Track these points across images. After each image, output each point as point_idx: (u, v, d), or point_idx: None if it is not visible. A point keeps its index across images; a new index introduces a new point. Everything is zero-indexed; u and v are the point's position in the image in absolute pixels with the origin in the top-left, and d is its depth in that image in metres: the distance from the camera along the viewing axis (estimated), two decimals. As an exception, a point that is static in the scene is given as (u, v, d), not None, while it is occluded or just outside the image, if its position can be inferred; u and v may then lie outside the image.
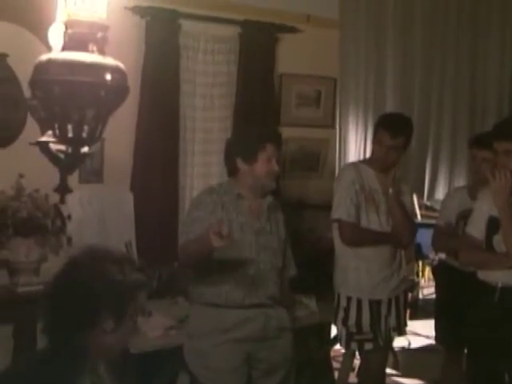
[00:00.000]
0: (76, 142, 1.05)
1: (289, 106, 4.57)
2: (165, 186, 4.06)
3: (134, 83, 3.87)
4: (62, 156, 1.45)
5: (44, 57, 1.06)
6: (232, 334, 3.05)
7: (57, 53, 1.05)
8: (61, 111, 1.02)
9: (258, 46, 4.31)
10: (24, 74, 3.41)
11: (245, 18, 4.26)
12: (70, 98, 1.01)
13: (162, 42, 3.97)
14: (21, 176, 3.20)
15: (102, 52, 1.09)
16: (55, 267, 3.27)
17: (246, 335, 3.07)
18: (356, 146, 4.61)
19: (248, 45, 4.28)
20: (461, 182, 4.53)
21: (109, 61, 1.09)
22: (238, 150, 3.14)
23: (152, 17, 3.92)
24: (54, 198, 3.36)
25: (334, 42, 4.50)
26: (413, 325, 6.17)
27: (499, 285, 3.03)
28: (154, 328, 3.35)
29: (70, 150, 1.11)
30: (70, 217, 3.32)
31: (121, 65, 1.15)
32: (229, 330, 3.05)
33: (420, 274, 7.22)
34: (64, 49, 1.04)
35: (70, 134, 1.03)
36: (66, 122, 1.03)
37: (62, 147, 1.21)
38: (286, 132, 4.48)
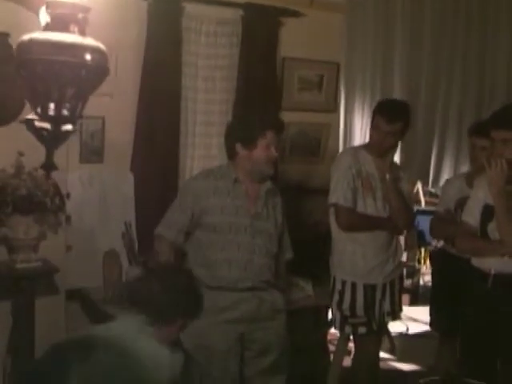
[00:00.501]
0: (57, 120, 1.08)
1: (291, 90, 4.54)
2: (165, 166, 4.06)
3: (136, 64, 3.94)
4: (44, 133, 1.48)
5: (26, 36, 1.09)
6: (226, 314, 3.13)
7: (39, 32, 1.08)
8: (43, 90, 1.05)
9: (260, 29, 4.28)
10: (25, 53, 3.49)
11: (247, 1, 4.22)
12: (51, 77, 1.04)
13: (164, 23, 3.94)
14: (20, 154, 3.21)
15: (82, 33, 1.12)
16: (53, 245, 3.37)
17: (240, 316, 3.15)
18: (362, 131, 4.61)
19: (250, 28, 4.24)
20: (465, 169, 4.54)
21: (89, 41, 1.12)
22: (238, 135, 3.20)
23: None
24: (54, 176, 3.40)
25: (338, 26, 4.51)
26: (412, 311, 6.25)
27: (492, 272, 3.08)
28: None
29: (51, 127, 1.14)
30: (68, 195, 3.34)
31: (101, 46, 1.18)
32: (223, 311, 3.12)
33: (422, 260, 7.26)
34: (46, 29, 1.07)
35: (52, 112, 1.06)
36: (48, 101, 1.06)
37: (46, 125, 1.24)
38: (288, 116, 4.47)
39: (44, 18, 1.80)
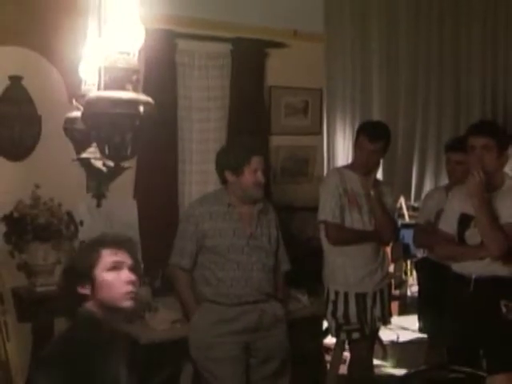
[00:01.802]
0: (118, 158, 1.34)
1: (278, 116, 4.75)
2: (165, 192, 4.24)
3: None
4: (104, 169, 1.75)
5: (93, 94, 1.39)
6: (231, 326, 3.32)
7: (102, 91, 1.37)
8: (106, 135, 1.32)
9: (248, 60, 4.48)
10: (37, 94, 3.75)
11: (236, 36, 4.44)
12: (113, 126, 1.32)
13: (160, 60, 4.15)
14: (37, 186, 3.49)
15: (136, 90, 1.41)
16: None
17: (244, 327, 3.34)
18: (344, 151, 4.82)
19: (239, 60, 4.44)
20: (445, 182, 4.72)
21: (141, 97, 1.42)
22: (226, 163, 3.37)
23: (150, 37, 4.09)
24: (66, 206, 3.66)
25: (320, 55, 4.73)
26: (401, 320, 6.45)
27: (473, 276, 3.22)
28: (160, 322, 3.58)
29: (112, 164, 1.42)
30: (82, 223, 3.60)
31: (150, 99, 1.49)
32: (228, 323, 3.32)
33: (408, 272, 7.47)
34: (106, 88, 1.36)
35: (114, 152, 1.32)
36: (111, 143, 1.35)
37: (106, 162, 1.50)
38: (277, 140, 4.73)
39: (85, 72, 2.12)
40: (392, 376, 5.13)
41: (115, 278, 2.12)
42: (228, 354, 3.31)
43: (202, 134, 4.43)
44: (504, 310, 3.18)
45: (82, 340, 2.07)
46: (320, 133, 4.90)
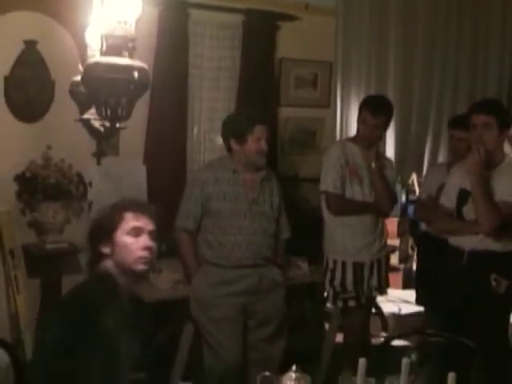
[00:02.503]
0: (114, 119, 1.45)
1: (288, 88, 4.80)
2: (174, 158, 4.33)
3: (147, 66, 4.27)
4: (101, 129, 1.87)
5: (92, 60, 1.51)
6: (230, 287, 3.44)
7: (100, 57, 1.50)
8: (103, 98, 1.42)
9: (259, 32, 4.53)
10: (51, 58, 3.84)
11: (247, 7, 4.49)
12: (110, 89, 1.42)
13: (172, 29, 4.22)
14: (48, 147, 3.60)
15: (131, 56, 1.53)
16: (77, 229, 3.75)
17: (243, 289, 3.46)
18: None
19: (250, 31, 4.50)
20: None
21: (136, 63, 1.54)
22: (230, 131, 3.49)
23: (164, 6, 4.18)
24: (76, 167, 3.78)
25: (330, 29, 4.76)
26: (405, 293, 6.56)
27: (466, 249, 3.31)
28: (164, 282, 3.73)
29: (108, 124, 1.53)
30: (91, 184, 3.71)
31: (145, 65, 1.61)
32: (227, 284, 3.44)
33: (415, 247, 7.54)
34: (105, 54, 1.48)
35: (109, 113, 1.43)
36: (108, 106, 1.46)
37: (105, 123, 1.60)
38: (286, 111, 4.80)
39: (90, 38, 2.23)
40: (391, 347, 5.25)
41: (133, 242, 2.23)
42: (226, 315, 3.44)
43: (211, 102, 4.51)
44: (494, 283, 3.25)
45: (95, 293, 2.19)
46: (328, 106, 4.96)
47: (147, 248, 2.24)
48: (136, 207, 2.28)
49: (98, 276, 2.28)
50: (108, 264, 2.26)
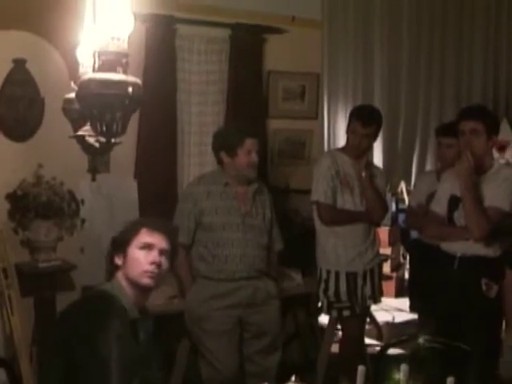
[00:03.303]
0: (109, 135, 1.46)
1: (276, 100, 4.83)
2: (165, 173, 4.35)
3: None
4: (96, 145, 1.88)
5: (86, 76, 1.53)
6: (225, 300, 3.45)
7: (94, 73, 1.51)
8: (98, 114, 1.44)
9: (247, 46, 4.56)
10: (40, 77, 3.86)
11: (235, 21, 4.52)
12: (105, 105, 1.44)
13: (160, 44, 4.25)
14: (40, 166, 3.61)
15: (125, 72, 1.55)
16: (69, 246, 3.74)
17: (238, 302, 3.47)
18: (345, 135, 4.84)
19: (238, 45, 4.53)
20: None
21: (130, 78, 1.56)
22: (221, 144, 3.51)
23: (151, 23, 4.21)
24: (68, 184, 3.78)
25: (316, 41, 4.82)
26: (398, 302, 6.59)
27: (458, 254, 3.33)
28: (158, 297, 3.65)
29: (104, 140, 1.54)
30: (83, 201, 3.71)
31: (138, 81, 1.63)
32: (222, 297, 3.45)
33: (407, 256, 7.58)
34: (99, 70, 1.49)
35: (105, 129, 1.44)
36: (102, 121, 1.48)
37: (99, 138, 1.62)
38: (274, 124, 4.83)
39: (82, 56, 2.26)
40: (386, 355, 5.26)
41: (143, 256, 2.28)
42: (222, 328, 3.45)
43: (200, 117, 4.52)
44: (484, 287, 3.29)
45: (101, 306, 2.23)
46: (316, 117, 4.99)
47: (155, 263, 2.28)
48: (152, 224, 2.35)
49: (109, 284, 2.33)
50: (119, 275, 2.32)
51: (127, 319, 2.24)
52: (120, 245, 2.33)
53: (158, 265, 2.29)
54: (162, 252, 2.31)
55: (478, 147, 3.29)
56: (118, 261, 2.32)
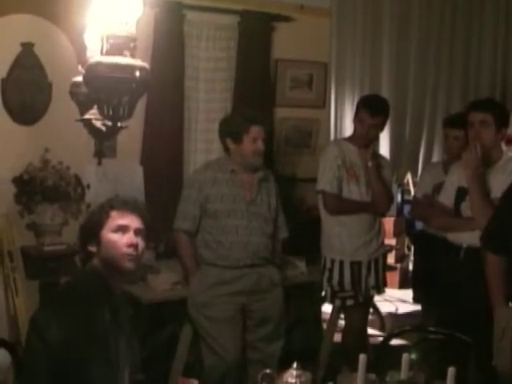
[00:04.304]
0: (115, 118, 1.46)
1: (283, 89, 4.83)
2: (171, 159, 4.35)
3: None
4: (103, 128, 1.88)
5: (93, 60, 1.53)
6: (229, 287, 3.46)
7: (102, 57, 1.51)
8: (105, 97, 1.44)
9: (255, 33, 4.56)
10: (48, 61, 3.86)
11: (243, 8, 4.52)
12: (111, 88, 1.44)
13: (168, 30, 4.25)
14: (46, 150, 3.62)
15: (133, 56, 1.55)
16: (75, 230, 3.75)
17: (241, 289, 3.47)
18: (352, 124, 4.91)
19: (246, 33, 4.53)
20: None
21: (138, 62, 1.56)
22: (227, 131, 3.51)
23: (160, 8, 4.20)
24: (74, 169, 3.80)
25: (325, 29, 4.80)
26: (401, 293, 6.60)
27: (464, 245, 3.33)
28: (162, 283, 3.72)
29: (110, 124, 1.54)
30: (88, 186, 3.73)
31: (146, 65, 1.63)
32: (226, 285, 3.46)
33: (412, 247, 7.58)
34: (107, 53, 1.49)
35: (111, 113, 1.44)
36: (110, 105, 1.48)
37: (107, 122, 1.61)
38: (281, 112, 4.83)
39: (89, 40, 2.26)
40: (389, 346, 5.27)
41: (118, 239, 2.22)
42: (225, 315, 3.46)
43: (207, 103, 4.53)
44: (489, 278, 3.28)
45: (83, 290, 2.20)
46: (324, 106, 4.99)
47: (132, 245, 2.22)
48: (122, 205, 2.28)
49: (85, 274, 2.29)
50: (95, 262, 2.26)
51: (109, 306, 2.21)
52: (92, 231, 2.25)
53: (136, 246, 2.23)
54: (136, 232, 2.25)
55: (487, 139, 3.29)
56: (92, 248, 2.25)
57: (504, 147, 3.83)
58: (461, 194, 3.40)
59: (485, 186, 3.28)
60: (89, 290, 2.20)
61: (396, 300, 6.37)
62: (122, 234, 2.23)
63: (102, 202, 2.34)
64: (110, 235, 2.23)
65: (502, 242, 2.82)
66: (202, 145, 4.55)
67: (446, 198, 3.50)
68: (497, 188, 3.26)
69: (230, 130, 3.51)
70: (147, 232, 2.30)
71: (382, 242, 4.05)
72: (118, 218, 2.24)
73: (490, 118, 3.29)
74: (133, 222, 2.25)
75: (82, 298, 2.17)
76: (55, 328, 2.08)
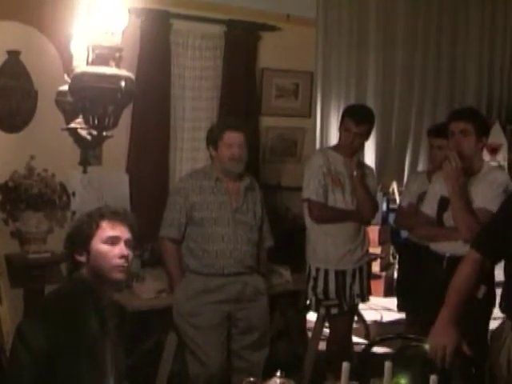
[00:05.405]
0: (101, 128, 1.47)
1: (269, 98, 4.83)
2: (157, 167, 4.35)
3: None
4: (89, 138, 1.89)
5: (79, 69, 1.54)
6: (214, 296, 3.47)
7: (88, 66, 1.53)
8: (91, 107, 1.45)
9: (241, 42, 4.57)
10: (34, 69, 3.85)
11: (229, 18, 4.52)
12: (97, 98, 1.45)
13: (154, 39, 4.25)
14: (32, 158, 3.62)
15: (118, 66, 1.56)
16: (60, 238, 3.74)
17: (226, 297, 3.49)
18: (337, 133, 4.93)
19: (232, 42, 4.54)
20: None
21: (123, 72, 1.57)
22: (208, 139, 3.57)
23: (146, 17, 4.21)
24: (60, 177, 3.79)
25: (311, 39, 4.83)
26: (386, 302, 6.62)
27: (447, 254, 3.34)
28: (147, 291, 3.72)
29: (95, 133, 1.55)
30: (74, 194, 3.73)
31: (131, 75, 1.64)
32: (211, 293, 3.47)
33: (397, 256, 7.61)
34: (92, 63, 1.51)
35: (97, 122, 1.45)
36: (94, 114, 1.49)
37: (92, 131, 1.62)
38: (267, 121, 4.84)
39: (76, 49, 2.27)
40: (373, 354, 5.29)
41: (109, 250, 2.22)
42: (210, 323, 3.47)
43: (193, 112, 4.53)
44: (472, 288, 3.30)
45: (70, 299, 2.20)
46: (309, 115, 5.00)
47: (123, 256, 2.23)
48: (113, 215, 2.27)
49: (73, 283, 2.29)
50: (83, 272, 2.26)
51: (96, 315, 2.22)
52: (81, 241, 2.25)
53: (127, 257, 2.24)
54: (127, 243, 2.26)
55: (467, 148, 3.31)
56: (80, 257, 2.25)
57: (488, 157, 3.88)
58: (443, 203, 3.42)
59: (466, 196, 3.29)
60: (76, 299, 2.21)
61: (381, 308, 6.40)
62: (113, 245, 2.24)
63: (90, 211, 2.33)
64: (100, 246, 2.23)
65: (491, 243, 2.78)
66: (188, 153, 4.55)
67: (429, 207, 3.52)
68: (479, 198, 3.29)
69: (210, 138, 3.57)
70: (134, 242, 2.30)
71: (367, 251, 4.06)
72: (108, 229, 2.24)
73: (470, 127, 3.31)
74: (123, 233, 2.26)
75: (70, 308, 2.17)
76: (42, 337, 2.07)
